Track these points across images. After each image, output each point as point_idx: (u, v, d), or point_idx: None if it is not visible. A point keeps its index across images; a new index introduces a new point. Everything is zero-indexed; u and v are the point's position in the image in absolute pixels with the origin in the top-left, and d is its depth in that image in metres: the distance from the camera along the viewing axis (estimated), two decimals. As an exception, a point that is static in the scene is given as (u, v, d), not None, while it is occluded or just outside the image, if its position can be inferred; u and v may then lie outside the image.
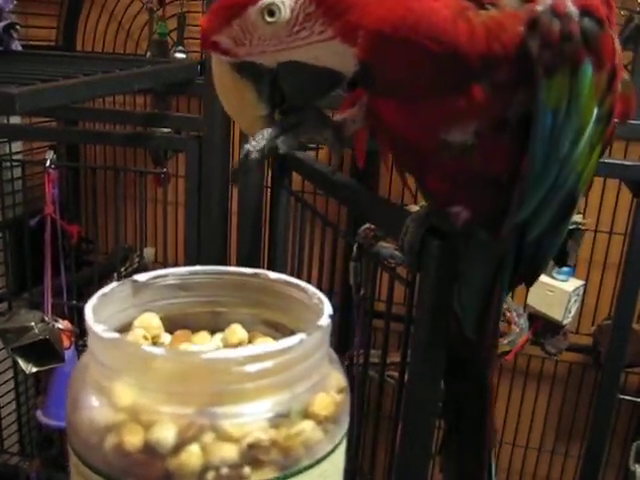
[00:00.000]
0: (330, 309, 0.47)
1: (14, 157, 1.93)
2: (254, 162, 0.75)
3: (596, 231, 1.84)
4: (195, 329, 0.54)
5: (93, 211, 2.48)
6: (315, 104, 0.79)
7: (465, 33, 0.65)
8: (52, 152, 1.46)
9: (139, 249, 1.94)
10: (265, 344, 0.48)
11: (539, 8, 0.65)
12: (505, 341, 1.56)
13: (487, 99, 0.69)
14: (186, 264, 1.53)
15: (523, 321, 1.47)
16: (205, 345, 0.52)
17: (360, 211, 1.06)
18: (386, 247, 1.23)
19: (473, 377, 0.97)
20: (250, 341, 0.51)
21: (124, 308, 0.51)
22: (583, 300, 1.62)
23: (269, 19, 0.66)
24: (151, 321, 0.51)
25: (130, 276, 0.52)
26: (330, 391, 0.46)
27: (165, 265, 1.78)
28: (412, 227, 0.79)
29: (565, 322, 1.46)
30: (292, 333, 0.48)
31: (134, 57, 1.85)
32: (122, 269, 2.31)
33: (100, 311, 0.47)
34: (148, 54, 1.78)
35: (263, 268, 0.55)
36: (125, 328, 0.51)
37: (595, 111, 0.69)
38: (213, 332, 0.54)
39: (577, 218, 1.43)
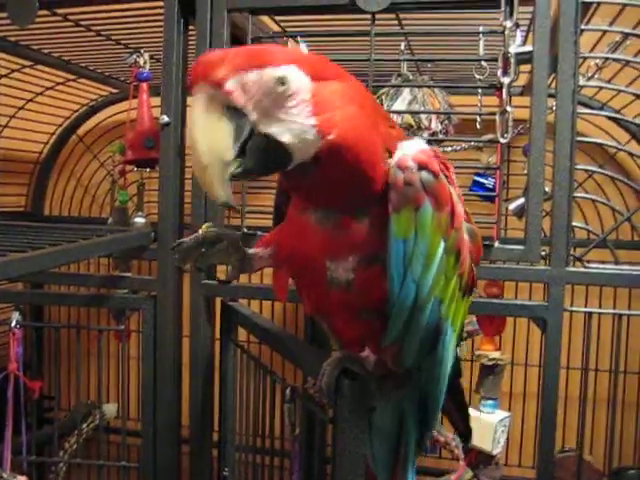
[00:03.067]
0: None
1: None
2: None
3: (513, 364, 2.02)
4: None
5: (56, 367, 2.55)
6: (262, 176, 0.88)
7: (380, 173, 0.85)
8: (17, 313, 1.58)
9: (100, 405, 2.01)
10: None
11: (390, 164, 0.87)
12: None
13: (367, 230, 0.88)
14: (142, 418, 1.62)
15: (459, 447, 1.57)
16: None
17: (290, 356, 1.19)
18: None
19: None
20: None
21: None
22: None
23: (279, 85, 0.77)
24: None
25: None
26: None
27: (124, 423, 1.86)
28: (328, 369, 0.92)
29: (495, 452, 1.56)
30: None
31: (97, 224, 2.01)
32: (84, 426, 2.36)
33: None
34: (110, 220, 1.95)
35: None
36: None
37: (442, 243, 0.88)
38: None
39: (497, 354, 1.58)
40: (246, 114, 0.77)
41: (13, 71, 2.25)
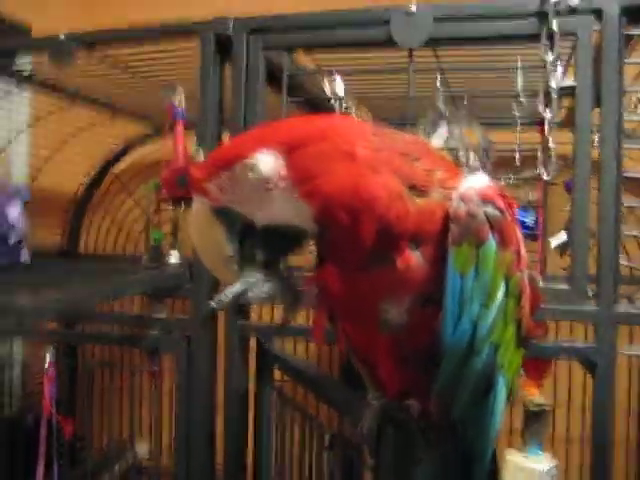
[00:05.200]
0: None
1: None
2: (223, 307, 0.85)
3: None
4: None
5: (88, 406, 2.54)
6: (285, 261, 0.89)
7: (399, 214, 0.80)
8: (52, 349, 1.56)
9: (132, 444, 1.98)
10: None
11: (453, 196, 0.83)
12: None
13: (416, 272, 0.83)
14: (176, 458, 1.59)
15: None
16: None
17: (329, 401, 1.15)
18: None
19: None
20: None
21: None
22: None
23: (251, 174, 0.78)
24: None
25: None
26: None
27: (157, 463, 1.82)
28: (370, 416, 0.88)
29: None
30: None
31: (132, 262, 2.01)
32: (116, 467, 2.33)
33: None
34: (144, 258, 1.94)
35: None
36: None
37: (502, 284, 0.83)
38: None
39: (542, 400, 1.52)
40: (233, 209, 0.81)
41: (51, 113, 2.28)
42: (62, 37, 1.52)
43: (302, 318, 2.05)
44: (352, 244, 0.81)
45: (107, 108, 2.34)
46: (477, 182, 0.85)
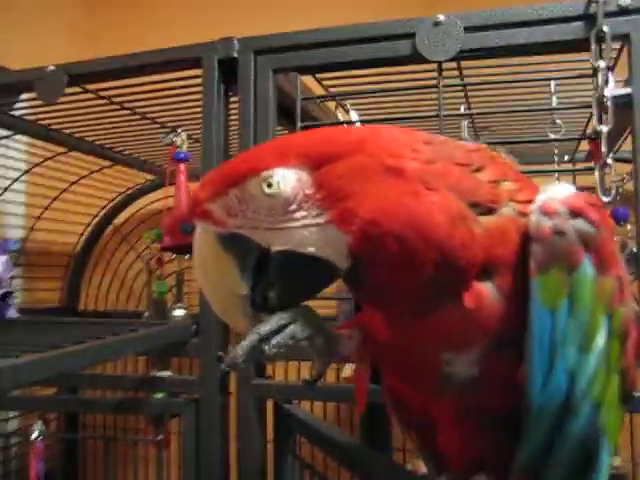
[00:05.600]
0: None
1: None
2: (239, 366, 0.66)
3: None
4: None
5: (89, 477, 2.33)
6: (304, 301, 0.71)
7: (463, 240, 0.62)
8: (40, 423, 1.37)
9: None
10: None
11: (530, 210, 0.65)
12: None
13: (489, 310, 0.64)
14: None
15: None
16: None
17: (362, 474, 0.95)
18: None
19: None
20: None
21: None
22: None
23: (268, 190, 0.63)
24: None
25: None
26: None
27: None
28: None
29: None
30: None
31: (130, 318, 1.83)
32: None
33: None
34: (146, 314, 1.76)
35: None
36: None
37: (604, 320, 0.64)
38: None
39: (617, 461, 1.29)
40: (244, 236, 0.66)
41: (46, 159, 2.14)
42: (51, 68, 1.37)
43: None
44: (402, 283, 0.63)
45: (106, 155, 2.20)
46: (559, 191, 0.67)
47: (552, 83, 1.43)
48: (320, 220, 0.63)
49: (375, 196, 0.62)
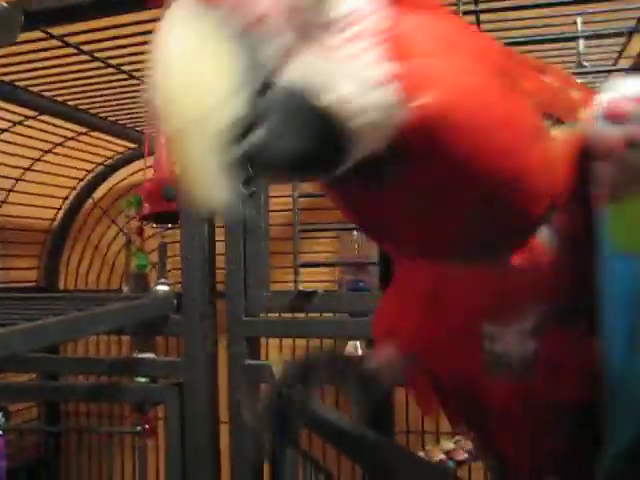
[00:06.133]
0: None
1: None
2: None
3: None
4: None
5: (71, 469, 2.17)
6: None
7: (543, 162, 0.46)
8: (0, 414, 1.20)
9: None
10: None
11: (591, 116, 0.48)
12: None
13: (547, 268, 0.48)
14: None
15: None
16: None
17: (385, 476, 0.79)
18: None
19: None
20: None
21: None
22: None
23: (322, 6, 0.42)
24: None
25: None
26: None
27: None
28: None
29: None
30: None
31: (108, 294, 1.67)
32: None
33: None
34: (125, 289, 1.59)
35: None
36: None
37: None
38: None
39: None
40: (265, 45, 0.41)
41: (15, 124, 1.95)
42: (2, 5, 1.18)
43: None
44: (456, 206, 0.46)
45: (81, 119, 2.01)
46: (628, 86, 0.49)
47: (578, 20, 1.26)
48: (378, 70, 0.42)
49: (460, 69, 0.45)
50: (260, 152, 0.41)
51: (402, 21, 0.44)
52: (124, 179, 2.39)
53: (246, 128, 0.41)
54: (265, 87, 0.41)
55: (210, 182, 0.41)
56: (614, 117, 0.47)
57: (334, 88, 0.41)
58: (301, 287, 1.07)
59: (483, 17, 1.21)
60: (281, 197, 1.44)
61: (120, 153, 2.37)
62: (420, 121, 0.42)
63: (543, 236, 0.48)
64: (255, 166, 0.42)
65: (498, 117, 0.45)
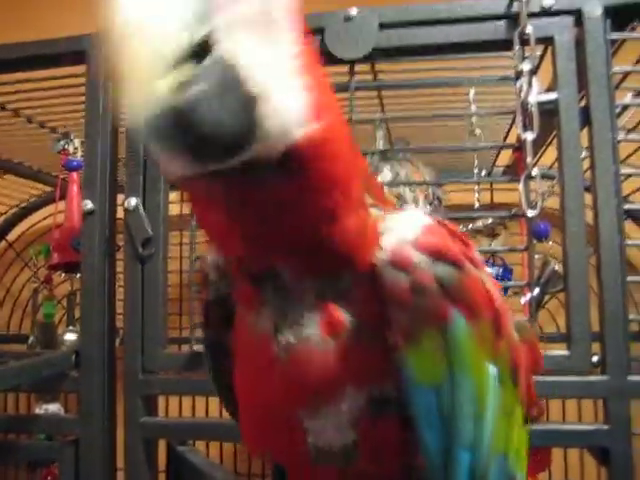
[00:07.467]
0: None
1: None
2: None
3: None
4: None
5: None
6: None
7: (356, 221, 0.52)
8: None
9: None
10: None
11: (378, 258, 0.52)
12: None
13: (349, 346, 0.52)
14: None
15: None
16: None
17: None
18: None
19: None
20: None
21: None
22: None
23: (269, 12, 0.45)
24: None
25: None
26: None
27: None
28: None
29: None
30: None
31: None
32: None
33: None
34: (31, 339, 1.57)
35: None
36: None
37: (491, 370, 0.53)
38: None
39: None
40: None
41: None
42: None
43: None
44: (301, 217, 0.49)
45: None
46: (411, 225, 0.54)
47: (471, 91, 1.34)
48: (296, 87, 0.46)
49: (340, 121, 0.53)
50: (190, 108, 0.42)
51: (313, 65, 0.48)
52: (39, 221, 2.36)
53: (184, 75, 0.42)
54: (207, 48, 0.42)
55: (144, 90, 0.42)
56: (401, 265, 0.51)
57: (265, 82, 0.44)
58: (195, 347, 1.08)
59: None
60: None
61: (36, 196, 2.34)
62: (307, 142, 0.46)
63: (345, 318, 0.52)
64: (179, 122, 0.42)
65: (346, 159, 0.50)
